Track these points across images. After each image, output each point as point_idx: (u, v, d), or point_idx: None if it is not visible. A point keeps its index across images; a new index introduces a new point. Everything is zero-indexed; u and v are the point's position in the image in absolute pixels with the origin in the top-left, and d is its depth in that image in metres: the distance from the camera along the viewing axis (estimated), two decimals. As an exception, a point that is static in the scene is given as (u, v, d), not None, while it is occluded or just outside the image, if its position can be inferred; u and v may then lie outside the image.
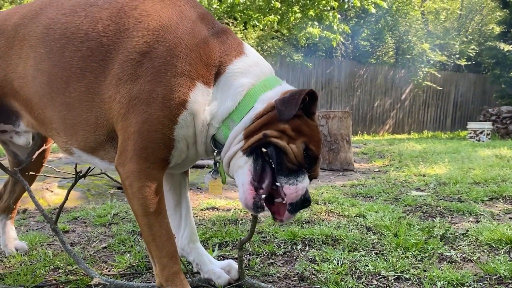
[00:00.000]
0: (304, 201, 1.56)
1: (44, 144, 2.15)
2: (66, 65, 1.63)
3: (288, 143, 1.53)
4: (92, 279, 1.80)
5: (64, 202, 1.86)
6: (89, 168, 1.94)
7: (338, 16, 11.83)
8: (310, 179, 1.61)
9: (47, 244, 2.50)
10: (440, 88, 16.80)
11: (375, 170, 5.71)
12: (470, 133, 11.02)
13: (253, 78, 1.62)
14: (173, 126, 1.51)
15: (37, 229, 2.89)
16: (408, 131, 16.92)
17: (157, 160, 1.53)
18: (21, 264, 2.15)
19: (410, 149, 8.05)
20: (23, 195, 2.38)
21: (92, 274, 1.82)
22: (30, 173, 2.13)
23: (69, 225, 2.92)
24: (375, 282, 1.89)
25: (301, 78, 15.02)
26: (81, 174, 1.89)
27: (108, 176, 2.30)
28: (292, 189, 1.52)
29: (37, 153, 2.09)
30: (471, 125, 11.11)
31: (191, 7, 1.66)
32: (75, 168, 1.83)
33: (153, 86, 1.49)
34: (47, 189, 3.64)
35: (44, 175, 2.21)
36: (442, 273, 1.91)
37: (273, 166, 1.53)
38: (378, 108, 16.57)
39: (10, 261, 2.20)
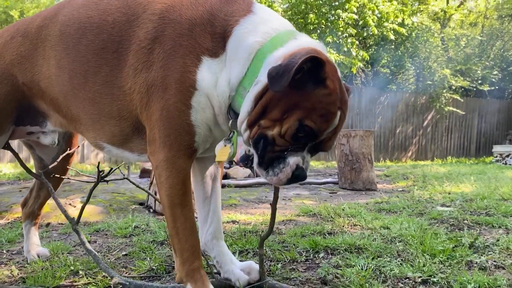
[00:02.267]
0: (292, 181, 1.47)
1: (69, 148, 2.19)
2: (82, 59, 1.65)
3: (281, 128, 1.42)
4: (112, 279, 1.79)
5: (87, 201, 1.88)
6: (111, 169, 1.95)
7: (357, 42, 11.94)
8: (317, 151, 1.53)
9: (68, 253, 2.51)
10: (463, 113, 16.55)
11: (398, 190, 5.60)
12: (496, 157, 10.75)
13: (261, 36, 1.49)
14: (188, 110, 1.48)
15: (59, 240, 2.91)
16: (431, 157, 16.60)
17: (182, 148, 1.51)
18: (42, 269, 2.15)
19: (434, 171, 7.89)
20: (46, 210, 2.40)
21: (112, 274, 1.81)
22: (55, 175, 2.16)
23: (90, 236, 2.93)
24: (401, 285, 1.82)
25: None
26: (104, 174, 1.91)
27: (130, 181, 2.31)
28: (274, 180, 1.47)
29: (61, 156, 2.12)
30: (497, 148, 10.85)
31: None
32: (98, 167, 1.85)
33: (165, 71, 1.48)
34: (70, 204, 3.68)
35: (68, 178, 2.24)
36: (472, 278, 1.83)
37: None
38: (400, 134, 16.37)
39: (32, 267, 2.20)
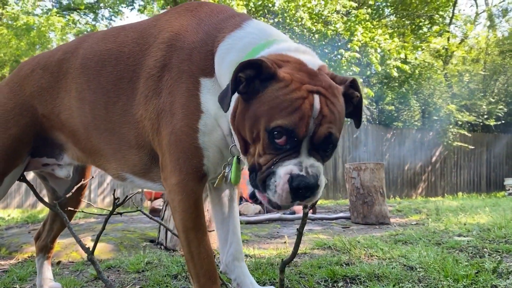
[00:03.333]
0: (295, 194, 1.26)
1: (82, 179, 2.19)
2: (102, 90, 1.69)
3: (257, 146, 1.33)
4: (128, 309, 1.75)
5: (102, 229, 1.86)
6: (126, 196, 1.95)
7: (361, 80, 12.09)
8: (322, 148, 1.32)
9: (81, 287, 2.46)
10: (472, 147, 16.48)
11: (412, 223, 5.50)
12: (509, 190, 10.59)
13: (237, 54, 1.46)
14: (195, 134, 1.49)
15: (71, 276, 2.86)
16: (441, 193, 16.39)
17: (191, 171, 1.50)
18: (55, 304, 2.11)
19: (447, 205, 7.76)
20: (56, 249, 2.37)
21: (127, 304, 1.77)
22: (69, 208, 2.15)
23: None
24: (426, 310, 1.75)
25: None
26: (119, 202, 1.90)
27: (143, 213, 2.29)
28: (276, 199, 1.30)
29: (75, 187, 2.12)
30: (509, 181, 10.71)
31: (204, 7, 1.66)
32: (114, 194, 1.85)
33: (172, 97, 1.50)
34: (81, 242, 3.64)
35: (82, 211, 2.23)
36: (500, 300, 1.76)
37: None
38: (409, 171, 16.27)
39: (44, 302, 2.16)
